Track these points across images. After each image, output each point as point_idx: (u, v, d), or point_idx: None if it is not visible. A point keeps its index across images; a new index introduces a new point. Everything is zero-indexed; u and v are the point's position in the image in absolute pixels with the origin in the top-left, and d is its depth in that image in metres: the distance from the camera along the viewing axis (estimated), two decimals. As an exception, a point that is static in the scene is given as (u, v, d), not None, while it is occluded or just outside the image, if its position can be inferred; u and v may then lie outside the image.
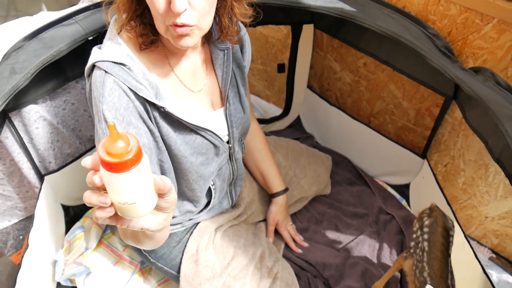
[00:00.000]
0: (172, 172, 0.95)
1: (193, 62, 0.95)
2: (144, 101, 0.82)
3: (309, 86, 1.71)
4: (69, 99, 1.20)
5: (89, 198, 0.51)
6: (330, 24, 1.44)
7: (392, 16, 1.17)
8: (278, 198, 1.30)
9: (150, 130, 0.85)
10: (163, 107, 0.83)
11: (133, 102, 0.80)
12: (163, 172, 0.93)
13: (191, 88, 0.95)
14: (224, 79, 0.99)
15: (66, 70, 1.14)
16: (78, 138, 1.28)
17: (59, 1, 2.17)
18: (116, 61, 0.80)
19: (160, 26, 0.79)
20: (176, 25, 0.76)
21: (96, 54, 0.82)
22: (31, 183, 1.22)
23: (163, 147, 0.89)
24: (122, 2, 0.80)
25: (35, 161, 1.20)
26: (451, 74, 1.00)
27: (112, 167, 0.46)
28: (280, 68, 1.67)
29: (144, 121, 0.83)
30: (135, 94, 0.80)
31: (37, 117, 1.13)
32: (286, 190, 1.31)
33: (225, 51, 0.99)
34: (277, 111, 1.85)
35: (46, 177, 1.25)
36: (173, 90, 0.91)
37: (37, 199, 1.20)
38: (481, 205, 1.29)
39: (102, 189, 0.51)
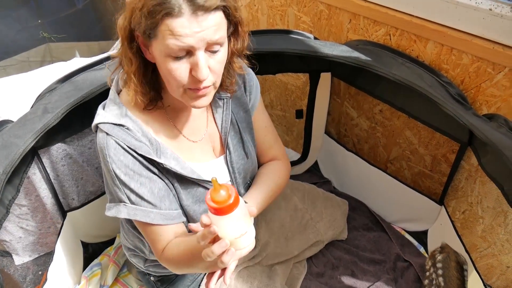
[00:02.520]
0: None
1: (192, 114, 0.99)
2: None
3: (327, 132, 1.74)
4: (95, 139, 1.25)
5: (212, 252, 0.67)
6: (347, 73, 1.48)
7: (406, 65, 1.21)
8: None
9: (160, 177, 0.90)
10: (162, 163, 0.88)
11: (137, 158, 0.85)
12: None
13: (191, 139, 0.99)
14: (224, 128, 1.02)
15: (94, 111, 1.20)
16: (101, 177, 1.33)
17: (91, 48, 2.30)
18: (115, 122, 0.85)
19: (176, 91, 0.82)
20: (197, 88, 0.80)
21: (99, 116, 0.88)
22: (54, 219, 1.26)
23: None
24: (130, 69, 0.82)
25: (59, 198, 1.25)
26: (464, 120, 1.02)
27: (223, 211, 0.63)
28: (299, 114, 1.71)
29: (152, 171, 0.88)
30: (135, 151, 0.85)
31: (64, 155, 1.19)
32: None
33: (224, 100, 1.01)
34: (295, 156, 1.87)
35: (68, 214, 1.29)
36: (174, 142, 0.95)
37: (58, 235, 1.23)
38: (502, 254, 1.26)
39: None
